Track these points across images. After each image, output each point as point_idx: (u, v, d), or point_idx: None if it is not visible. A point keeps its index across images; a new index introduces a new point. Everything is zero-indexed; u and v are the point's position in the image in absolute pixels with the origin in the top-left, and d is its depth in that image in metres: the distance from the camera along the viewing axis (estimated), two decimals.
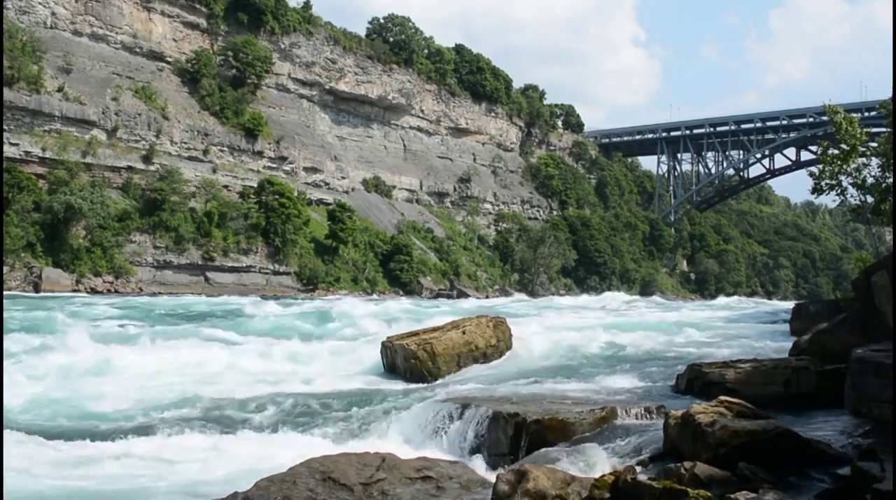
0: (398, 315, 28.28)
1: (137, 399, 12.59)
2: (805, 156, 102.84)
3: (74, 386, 13.72)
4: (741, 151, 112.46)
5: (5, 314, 24.33)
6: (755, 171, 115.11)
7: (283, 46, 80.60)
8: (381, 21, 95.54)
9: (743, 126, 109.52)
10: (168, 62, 71.75)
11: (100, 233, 55.81)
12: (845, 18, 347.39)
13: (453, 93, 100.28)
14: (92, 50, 65.48)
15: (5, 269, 49.15)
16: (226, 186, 68.66)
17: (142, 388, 13.49)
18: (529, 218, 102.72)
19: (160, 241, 60.39)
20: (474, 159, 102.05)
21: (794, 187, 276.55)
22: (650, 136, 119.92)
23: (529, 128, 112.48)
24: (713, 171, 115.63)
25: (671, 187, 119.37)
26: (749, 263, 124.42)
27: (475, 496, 7.52)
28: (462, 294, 75.29)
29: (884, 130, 35.91)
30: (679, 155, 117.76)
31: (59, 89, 59.48)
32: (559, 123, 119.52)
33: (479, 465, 8.66)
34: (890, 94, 28.57)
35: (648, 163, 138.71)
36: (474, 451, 9.19)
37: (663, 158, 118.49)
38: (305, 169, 79.56)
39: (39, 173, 55.82)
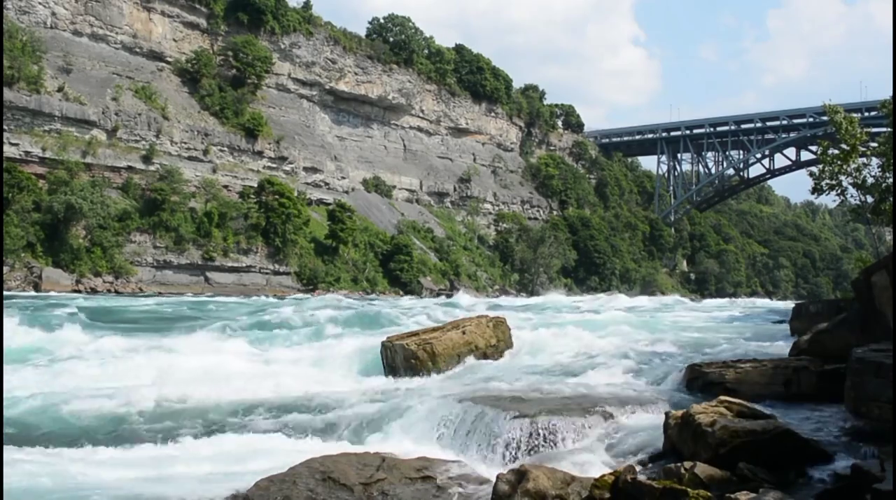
0: None
1: (142, 402, 12.58)
2: (805, 156, 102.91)
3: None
4: (741, 151, 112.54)
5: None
6: (755, 171, 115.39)
7: (283, 46, 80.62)
8: (381, 21, 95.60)
9: (743, 126, 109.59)
10: (168, 62, 71.78)
11: (100, 233, 55.82)
12: (842, 19, 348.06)
13: (453, 93, 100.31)
14: (92, 50, 65.49)
15: (5, 269, 49.16)
16: (226, 186, 68.67)
17: (142, 390, 13.46)
18: (529, 218, 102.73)
19: (160, 241, 60.40)
20: (474, 159, 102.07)
21: (794, 187, 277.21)
22: (650, 136, 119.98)
23: (529, 128, 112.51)
24: (713, 171, 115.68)
25: (671, 187, 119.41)
26: (749, 263, 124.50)
27: (475, 495, 7.52)
28: None
29: (884, 129, 35.88)
30: (679, 155, 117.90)
31: (59, 89, 59.50)
32: (559, 123, 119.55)
33: (479, 464, 8.66)
34: (890, 93, 28.59)
35: (648, 163, 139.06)
36: (474, 450, 9.18)
37: (663, 158, 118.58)
38: (305, 169, 79.57)
39: (39, 173, 55.83)
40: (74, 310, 26.66)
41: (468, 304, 41.53)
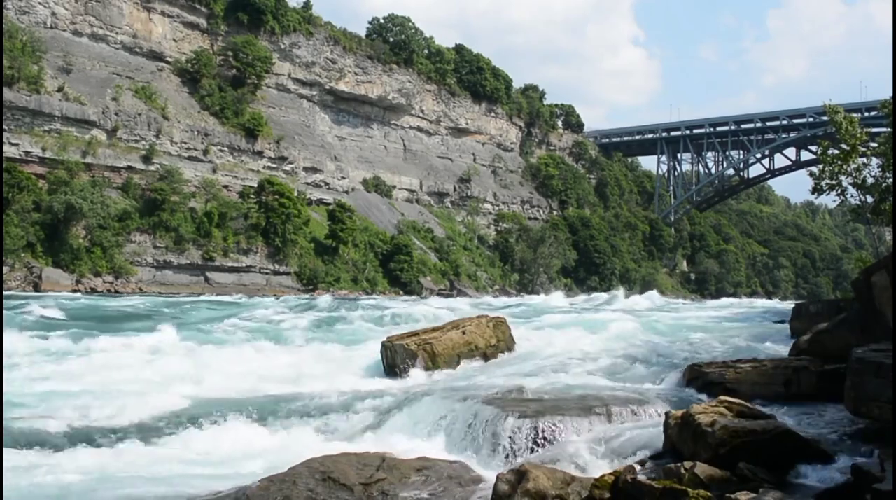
0: None
1: (139, 402, 12.58)
2: (805, 156, 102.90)
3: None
4: (741, 151, 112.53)
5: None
6: (755, 171, 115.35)
7: (283, 46, 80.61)
8: (381, 21, 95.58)
9: (743, 126, 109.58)
10: (168, 62, 71.76)
11: (100, 233, 55.80)
12: (842, 19, 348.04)
13: (453, 93, 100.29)
14: (92, 50, 65.48)
15: (5, 269, 49.14)
16: (226, 186, 68.65)
17: (139, 390, 13.47)
18: (529, 218, 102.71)
19: (160, 241, 60.38)
20: (474, 159, 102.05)
21: (794, 187, 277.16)
22: (650, 136, 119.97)
23: (529, 128, 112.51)
24: (713, 171, 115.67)
25: (671, 187, 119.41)
26: (749, 263, 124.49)
27: (475, 495, 7.53)
28: (462, 294, 75.25)
29: (884, 129, 35.90)
30: (679, 155, 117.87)
31: (59, 89, 59.47)
32: (559, 123, 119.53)
33: (478, 464, 8.66)
34: (890, 93, 28.61)
35: (648, 163, 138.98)
36: (474, 450, 9.19)
37: (663, 158, 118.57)
38: (305, 169, 79.57)
39: (39, 173, 55.80)
40: (31, 310, 26.32)
41: (439, 304, 40.08)
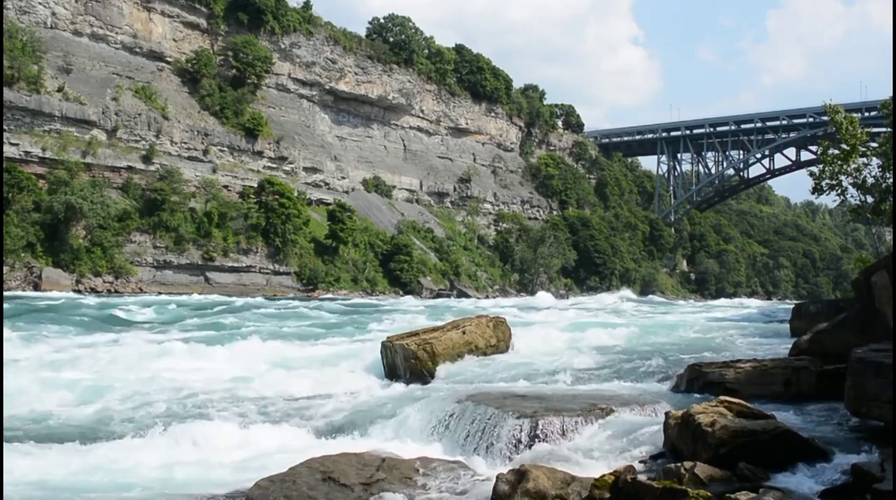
0: None
1: (140, 398, 12.60)
2: (805, 156, 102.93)
3: None
4: (741, 151, 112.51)
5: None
6: (755, 171, 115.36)
7: (283, 46, 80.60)
8: (381, 21, 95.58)
9: (743, 126, 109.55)
10: (168, 62, 71.74)
11: (100, 233, 55.79)
12: (840, 19, 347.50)
13: (453, 93, 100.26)
14: (92, 50, 65.47)
15: (5, 269, 49.13)
16: (226, 186, 68.63)
17: (139, 387, 13.49)
18: (529, 218, 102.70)
19: (160, 241, 60.37)
20: (474, 159, 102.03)
21: (794, 187, 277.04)
22: (650, 136, 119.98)
23: (529, 128, 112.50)
24: (713, 171, 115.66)
25: (671, 187, 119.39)
26: (749, 263, 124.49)
27: (475, 495, 7.53)
28: (462, 294, 75.28)
29: (884, 129, 35.93)
30: (679, 155, 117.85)
31: (59, 89, 59.45)
32: (559, 123, 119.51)
33: (479, 464, 8.66)
34: (890, 93, 28.62)
35: (648, 163, 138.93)
36: (474, 450, 9.19)
37: (663, 158, 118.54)
38: (305, 169, 79.55)
39: (39, 173, 55.79)
40: None
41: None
